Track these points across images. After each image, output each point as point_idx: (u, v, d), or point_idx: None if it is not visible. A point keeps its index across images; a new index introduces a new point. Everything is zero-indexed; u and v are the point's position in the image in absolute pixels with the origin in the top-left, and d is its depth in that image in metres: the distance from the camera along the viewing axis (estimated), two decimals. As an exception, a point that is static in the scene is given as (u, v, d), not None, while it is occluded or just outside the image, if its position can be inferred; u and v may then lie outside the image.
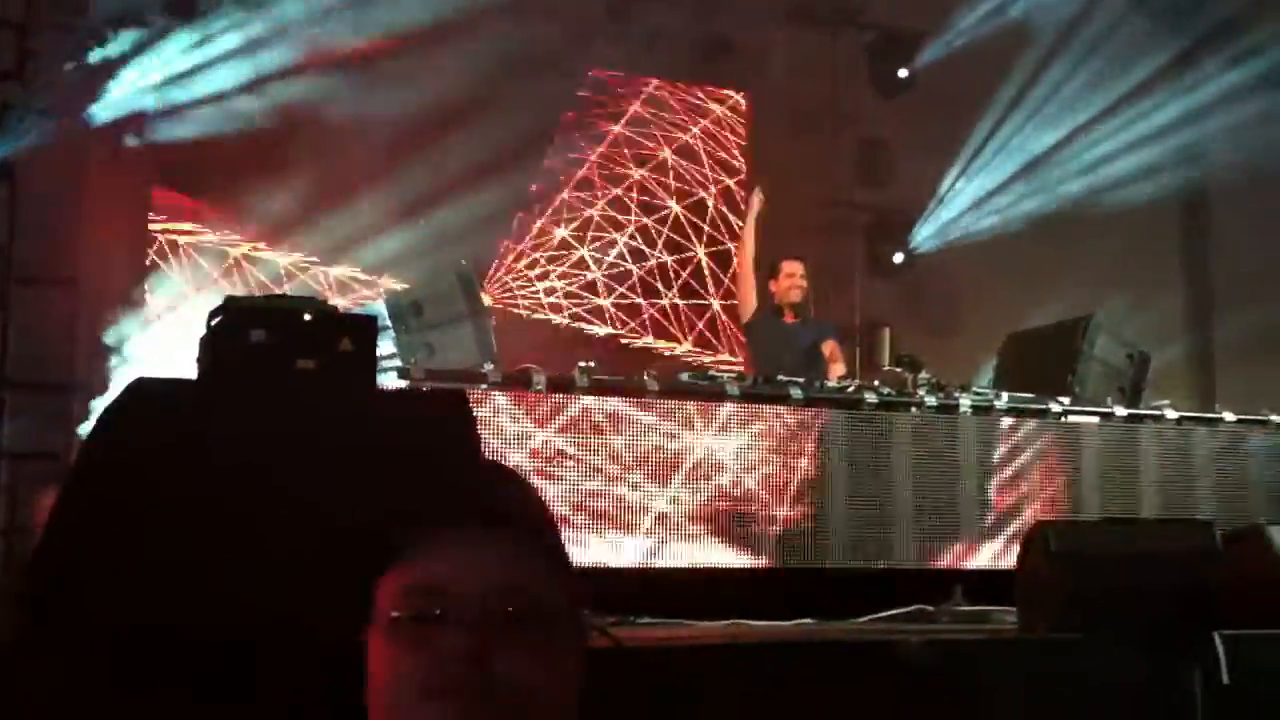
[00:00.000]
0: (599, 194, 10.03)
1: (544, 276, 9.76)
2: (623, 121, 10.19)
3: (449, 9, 8.80)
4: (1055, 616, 4.44)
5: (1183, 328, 11.17)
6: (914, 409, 5.88)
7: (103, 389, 7.30)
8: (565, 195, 9.94)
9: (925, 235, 10.71)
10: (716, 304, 10.24)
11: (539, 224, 9.84)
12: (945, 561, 5.66)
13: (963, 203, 10.64)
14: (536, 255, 9.78)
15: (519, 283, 9.67)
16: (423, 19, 8.81)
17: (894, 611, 5.11)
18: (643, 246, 10.09)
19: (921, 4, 10.68)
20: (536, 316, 9.69)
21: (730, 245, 10.20)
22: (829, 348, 7.17)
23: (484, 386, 5.22)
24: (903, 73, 10.81)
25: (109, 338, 7.82)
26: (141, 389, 4.05)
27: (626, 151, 10.18)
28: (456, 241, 8.32)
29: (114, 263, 7.93)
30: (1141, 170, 10.44)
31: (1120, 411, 6.24)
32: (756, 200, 7.71)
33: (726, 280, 10.22)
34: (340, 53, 8.92)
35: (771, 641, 4.32)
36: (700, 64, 10.41)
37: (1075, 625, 4.35)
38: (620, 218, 10.07)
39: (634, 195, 10.17)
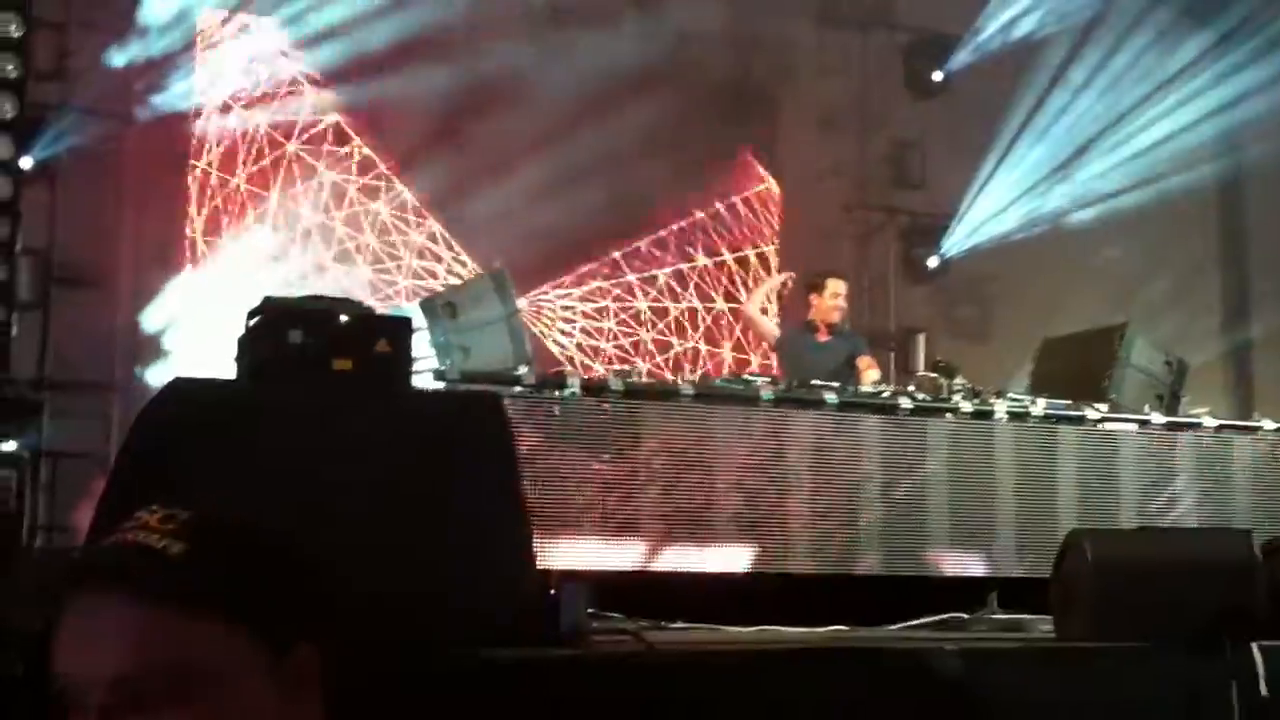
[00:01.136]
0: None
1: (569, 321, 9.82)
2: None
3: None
4: (1091, 625, 4.42)
5: (1220, 324, 11.08)
6: (949, 415, 5.84)
7: (141, 388, 7.37)
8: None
9: (959, 239, 10.66)
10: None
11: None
12: (980, 569, 5.63)
13: (996, 205, 10.58)
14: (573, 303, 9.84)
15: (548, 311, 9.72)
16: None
17: (928, 619, 5.09)
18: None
19: (952, 6, 10.64)
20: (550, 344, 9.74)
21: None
22: (864, 362, 7.09)
23: (518, 389, 5.23)
24: (938, 75, 10.77)
25: (147, 336, 7.89)
26: (180, 389, 4.08)
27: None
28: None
29: (154, 261, 7.99)
30: (1175, 162, 10.36)
31: (1158, 419, 6.19)
32: (781, 278, 7.55)
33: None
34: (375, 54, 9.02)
35: (804, 648, 4.31)
36: (729, 65, 10.39)
37: (1111, 634, 4.32)
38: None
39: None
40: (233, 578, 1.19)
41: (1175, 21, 10.57)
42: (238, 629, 1.18)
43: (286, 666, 1.21)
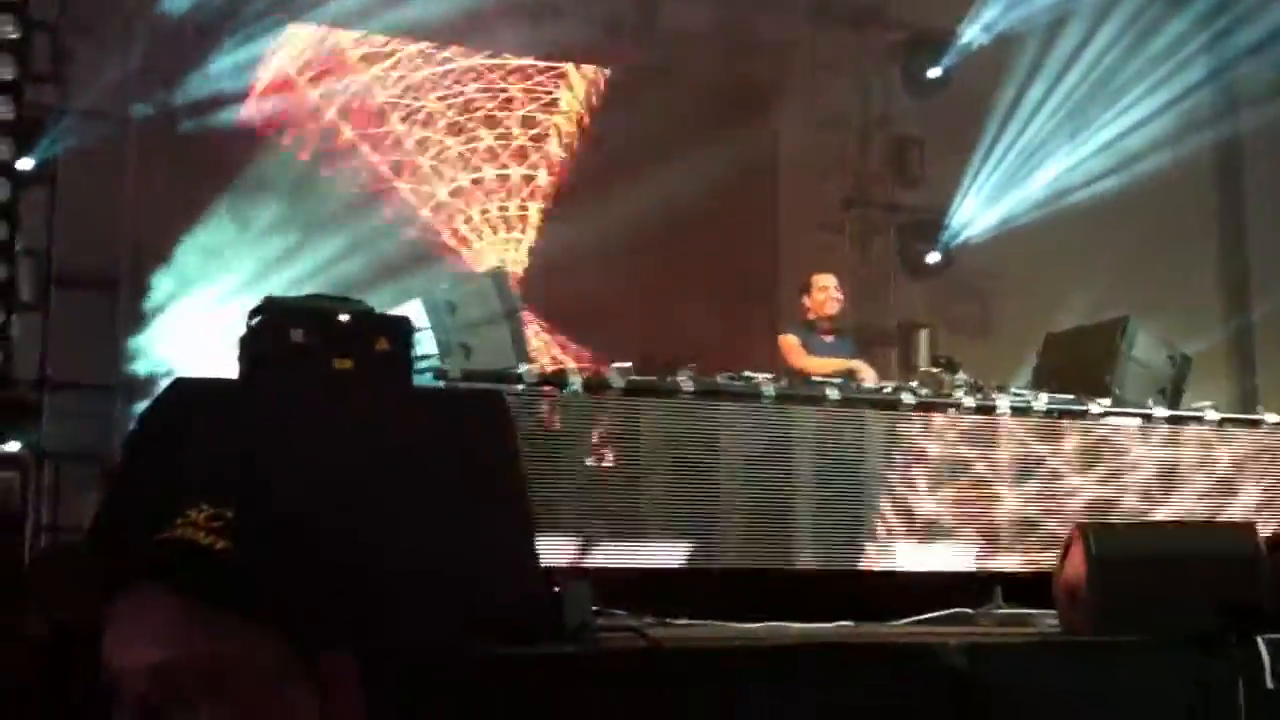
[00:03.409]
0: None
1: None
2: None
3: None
4: (1095, 620, 4.41)
5: (1221, 310, 11.07)
6: (952, 410, 5.84)
7: (142, 389, 7.36)
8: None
9: (959, 234, 10.66)
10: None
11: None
12: (985, 564, 5.63)
13: (994, 199, 10.58)
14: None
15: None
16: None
17: (934, 614, 5.08)
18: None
19: (946, 3, 10.65)
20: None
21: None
22: (858, 365, 7.06)
23: (520, 387, 5.22)
24: (934, 72, 10.76)
25: (145, 336, 7.88)
26: (182, 389, 4.08)
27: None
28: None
29: (153, 261, 7.98)
30: (1170, 140, 10.34)
31: (1161, 413, 6.18)
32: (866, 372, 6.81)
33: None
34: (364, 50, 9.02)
35: (810, 643, 4.31)
36: (728, 63, 10.39)
37: (1115, 629, 4.32)
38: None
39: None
40: (277, 578, 1.22)
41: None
42: (278, 629, 1.20)
43: (326, 670, 1.22)
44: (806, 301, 7.28)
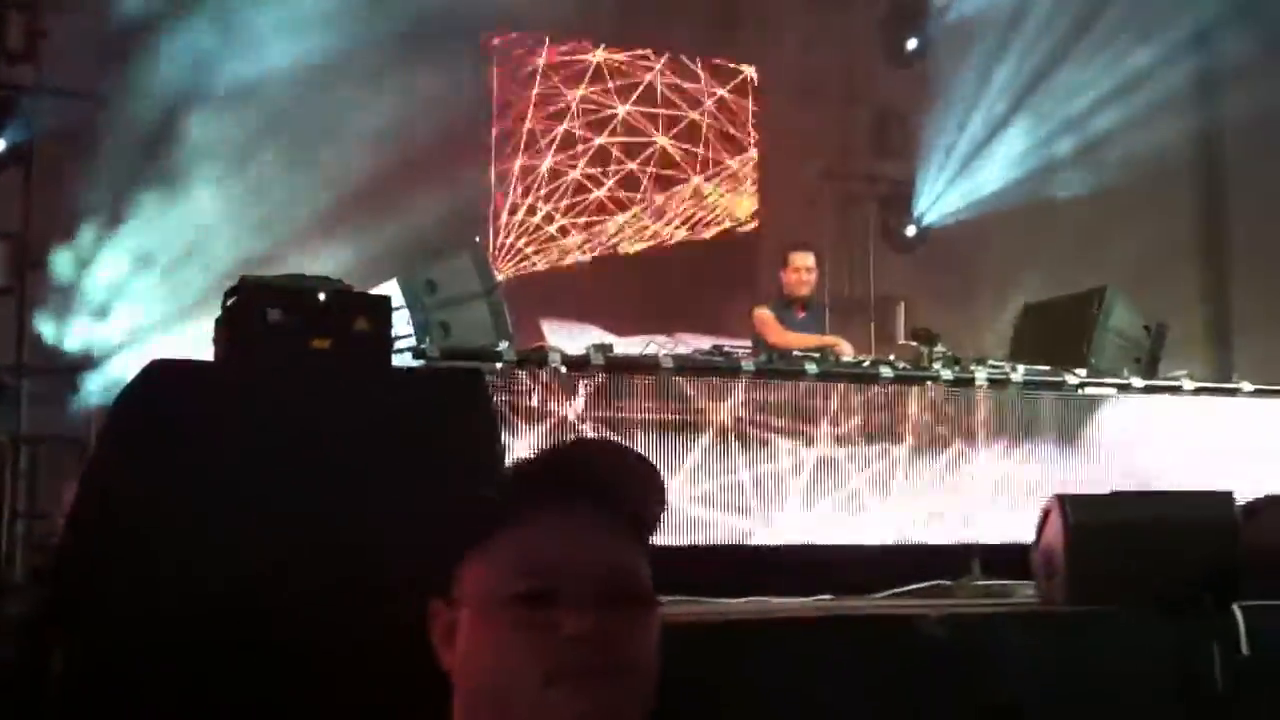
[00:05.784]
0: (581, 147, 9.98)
1: (550, 219, 9.75)
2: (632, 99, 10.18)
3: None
4: (1073, 589, 4.43)
5: (1200, 282, 11.10)
6: (929, 382, 5.86)
7: (116, 370, 7.33)
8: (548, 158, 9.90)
9: (937, 206, 10.66)
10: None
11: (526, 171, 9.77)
12: (963, 535, 5.65)
13: (975, 171, 10.57)
14: (538, 204, 9.76)
15: (525, 239, 9.68)
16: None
17: (912, 587, 5.10)
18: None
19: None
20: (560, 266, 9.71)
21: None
22: (831, 340, 7.07)
23: (499, 365, 5.22)
24: (911, 43, 10.77)
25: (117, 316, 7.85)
26: (158, 371, 4.06)
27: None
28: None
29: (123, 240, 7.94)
30: (1153, 114, 10.31)
31: (1137, 383, 6.22)
32: (844, 347, 6.95)
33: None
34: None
35: (790, 618, 4.32)
36: (711, 36, 10.37)
37: (1093, 598, 4.35)
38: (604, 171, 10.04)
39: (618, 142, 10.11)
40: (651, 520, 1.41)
41: None
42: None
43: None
44: (782, 276, 7.34)
